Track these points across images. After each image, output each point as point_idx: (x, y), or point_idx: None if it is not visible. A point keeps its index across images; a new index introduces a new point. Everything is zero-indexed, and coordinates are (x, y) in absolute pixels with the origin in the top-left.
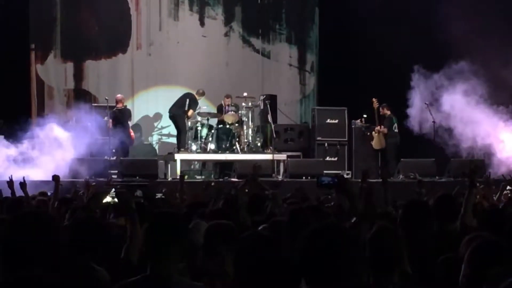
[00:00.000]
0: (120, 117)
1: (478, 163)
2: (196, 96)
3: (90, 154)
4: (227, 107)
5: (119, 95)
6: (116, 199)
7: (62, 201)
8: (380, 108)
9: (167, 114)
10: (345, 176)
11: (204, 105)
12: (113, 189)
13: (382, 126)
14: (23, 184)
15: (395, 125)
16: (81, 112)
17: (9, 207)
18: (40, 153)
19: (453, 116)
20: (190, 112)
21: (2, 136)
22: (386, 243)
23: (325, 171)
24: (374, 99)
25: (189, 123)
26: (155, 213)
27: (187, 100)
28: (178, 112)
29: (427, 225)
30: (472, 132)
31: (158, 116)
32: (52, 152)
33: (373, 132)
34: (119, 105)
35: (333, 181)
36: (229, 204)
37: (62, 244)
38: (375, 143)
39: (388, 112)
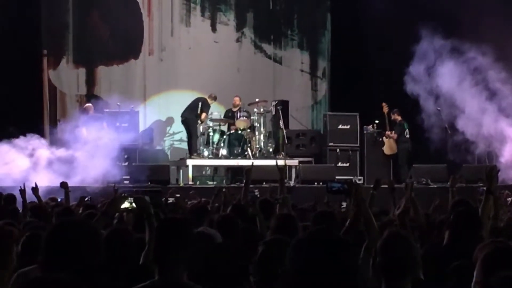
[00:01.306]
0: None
1: (493, 168)
2: (208, 100)
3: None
4: (238, 112)
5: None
6: (134, 205)
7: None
8: (391, 114)
9: (179, 119)
10: (357, 181)
11: (216, 111)
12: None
13: (392, 132)
14: (35, 189)
15: (407, 130)
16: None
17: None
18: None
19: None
20: (203, 116)
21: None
22: (397, 249)
23: (336, 177)
24: (383, 104)
25: (201, 128)
26: (164, 219)
27: (200, 103)
28: (191, 116)
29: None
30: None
31: (169, 122)
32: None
33: (384, 138)
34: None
35: (343, 187)
36: (238, 211)
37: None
38: (386, 149)
39: (399, 118)
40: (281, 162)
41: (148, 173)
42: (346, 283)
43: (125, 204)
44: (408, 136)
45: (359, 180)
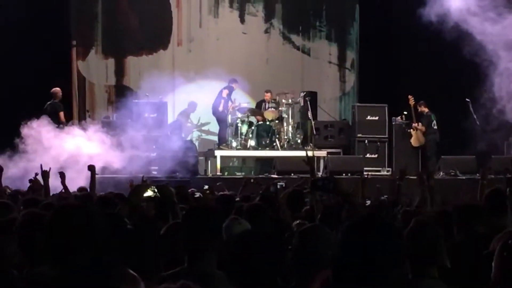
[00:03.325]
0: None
1: None
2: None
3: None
4: (267, 104)
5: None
6: (157, 194)
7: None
8: (418, 106)
9: (207, 111)
10: (385, 172)
11: (245, 102)
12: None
13: (419, 124)
14: (45, 173)
15: (434, 122)
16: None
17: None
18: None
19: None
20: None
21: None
22: (423, 237)
23: (365, 168)
24: (410, 96)
25: (230, 119)
26: (192, 207)
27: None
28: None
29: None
30: None
31: (198, 112)
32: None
33: (411, 130)
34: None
35: (327, 183)
36: (266, 200)
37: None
38: (414, 140)
39: (426, 110)
40: (309, 153)
41: (176, 164)
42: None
43: (149, 193)
44: (435, 127)
45: (387, 171)
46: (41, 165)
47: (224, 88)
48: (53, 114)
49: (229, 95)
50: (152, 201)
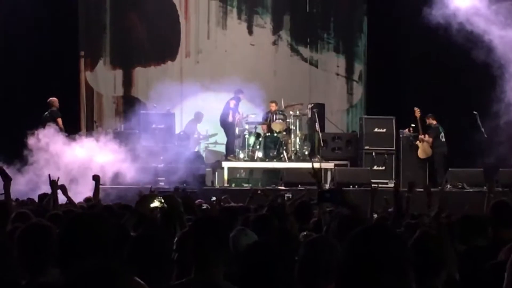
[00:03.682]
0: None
1: None
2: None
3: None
4: (274, 115)
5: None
6: (164, 204)
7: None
8: (426, 118)
9: (214, 122)
10: (392, 184)
11: (252, 113)
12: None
13: (426, 136)
14: (54, 183)
15: (442, 134)
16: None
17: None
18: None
19: None
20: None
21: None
22: (429, 248)
23: (372, 180)
24: (416, 109)
25: (237, 130)
26: (200, 218)
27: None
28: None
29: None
30: None
31: (205, 124)
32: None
33: (418, 142)
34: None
35: (334, 195)
36: (274, 211)
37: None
38: (420, 153)
39: (434, 122)
40: (316, 165)
41: (184, 175)
42: (399, 279)
43: (155, 203)
44: (443, 139)
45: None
46: (49, 175)
47: (231, 98)
48: (53, 121)
49: (236, 105)
50: (159, 211)
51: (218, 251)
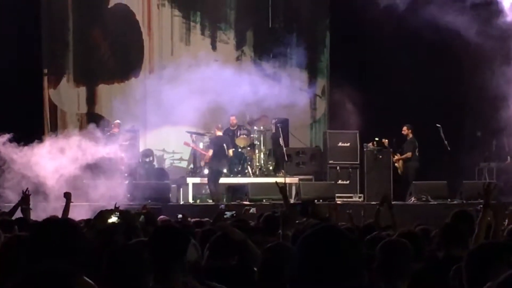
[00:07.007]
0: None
1: (492, 184)
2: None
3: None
4: (238, 131)
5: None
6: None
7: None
8: (403, 128)
9: (180, 137)
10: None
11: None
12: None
13: (398, 154)
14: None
15: (417, 149)
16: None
17: None
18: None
19: None
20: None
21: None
22: (396, 253)
23: (336, 194)
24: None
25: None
26: (158, 227)
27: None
28: None
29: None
30: None
31: (170, 140)
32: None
33: (395, 164)
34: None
35: (305, 207)
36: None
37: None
38: (400, 170)
39: (411, 135)
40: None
41: (149, 191)
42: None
43: (113, 219)
44: (417, 154)
45: (359, 197)
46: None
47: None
48: None
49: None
50: (118, 226)
51: (176, 260)
